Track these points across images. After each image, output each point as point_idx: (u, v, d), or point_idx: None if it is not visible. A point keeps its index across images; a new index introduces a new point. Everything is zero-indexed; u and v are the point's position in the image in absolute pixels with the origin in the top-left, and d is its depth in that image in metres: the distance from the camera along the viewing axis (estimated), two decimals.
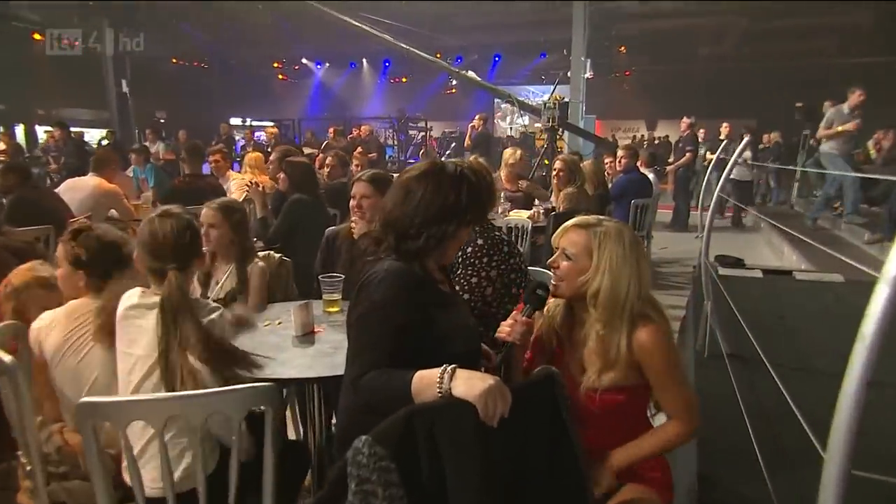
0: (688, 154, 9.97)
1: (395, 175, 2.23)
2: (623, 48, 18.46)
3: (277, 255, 3.14)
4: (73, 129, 14.96)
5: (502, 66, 20.24)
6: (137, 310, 1.87)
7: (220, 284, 2.97)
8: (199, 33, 18.81)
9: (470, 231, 1.72)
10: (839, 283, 4.77)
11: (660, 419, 1.96)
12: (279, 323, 2.57)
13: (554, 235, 1.87)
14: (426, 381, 1.43)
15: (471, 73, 13.87)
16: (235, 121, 19.44)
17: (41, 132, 16.38)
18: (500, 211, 5.42)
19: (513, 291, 2.44)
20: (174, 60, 20.37)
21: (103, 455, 1.64)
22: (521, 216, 5.11)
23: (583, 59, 13.46)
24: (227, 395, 1.61)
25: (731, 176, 9.99)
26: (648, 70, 20.29)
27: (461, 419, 1.36)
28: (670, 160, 11.13)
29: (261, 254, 3.10)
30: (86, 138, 14.43)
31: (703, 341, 3.23)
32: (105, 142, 13.59)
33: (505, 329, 1.77)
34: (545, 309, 1.91)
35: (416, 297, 1.60)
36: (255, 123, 18.78)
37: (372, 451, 1.29)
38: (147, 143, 11.16)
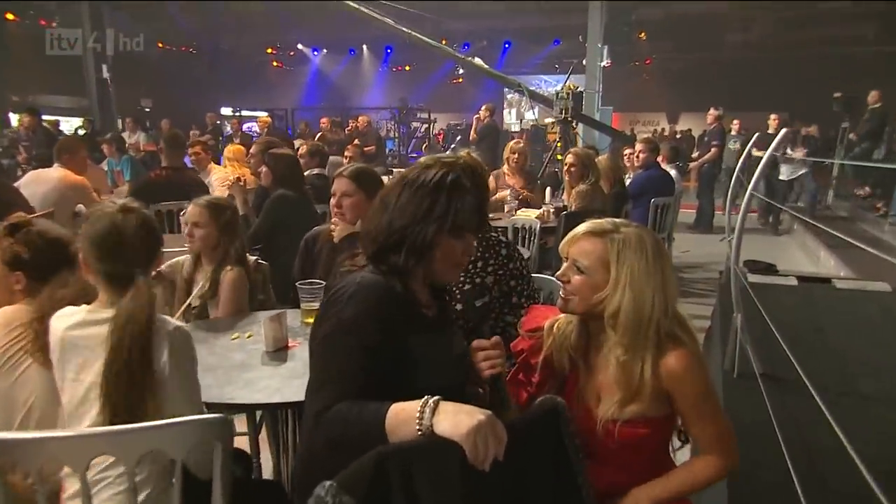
0: (713, 149, 9.75)
1: (396, 170, 2.08)
2: (643, 34, 18.23)
3: (253, 258, 2.99)
4: (50, 117, 15.00)
5: (512, 53, 20.09)
6: (87, 328, 1.68)
7: (196, 290, 2.83)
8: (184, 17, 18.69)
9: (460, 242, 1.54)
10: (886, 293, 4.57)
11: (683, 454, 1.80)
12: (249, 336, 2.41)
13: (562, 243, 1.71)
14: (403, 416, 1.26)
15: (477, 60, 13.66)
16: (226, 110, 19.35)
17: (15, 120, 16.30)
18: (506, 210, 5.27)
19: (513, 301, 2.26)
20: (160, 45, 20.20)
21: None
22: (528, 215, 4.94)
23: (599, 45, 13.26)
24: (163, 430, 1.43)
25: (779, 176, 9.81)
26: (671, 58, 20.11)
27: (445, 462, 1.19)
28: (694, 155, 10.88)
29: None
30: (62, 127, 14.30)
31: (733, 359, 3.04)
32: (81, 131, 13.46)
33: (484, 365, 1.57)
34: (555, 326, 1.75)
35: (391, 318, 1.45)
36: (246, 113, 18.66)
37: (337, 501, 1.12)
38: (127, 133, 11.08)
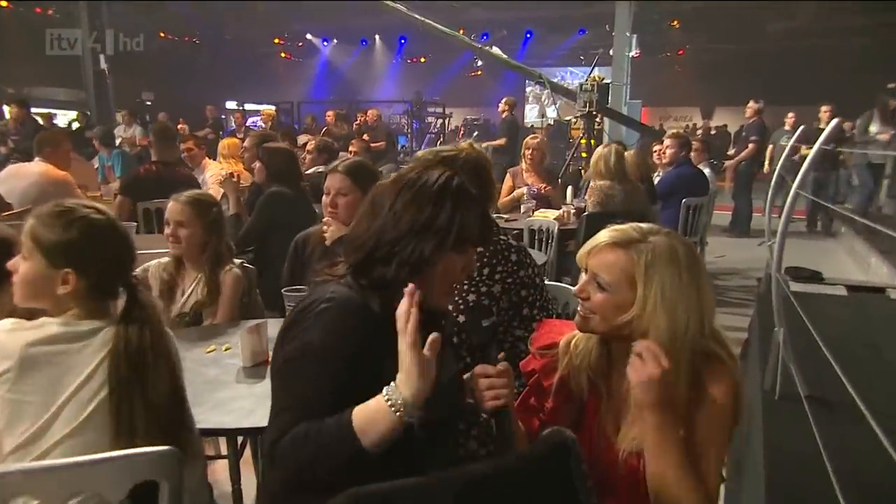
0: (751, 145, 9.45)
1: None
2: (676, 23, 17.96)
3: (238, 262, 2.86)
4: (46, 110, 15.02)
5: (534, 44, 19.86)
6: (61, 344, 1.55)
7: (185, 296, 2.71)
8: (186, 6, 18.70)
9: (462, 257, 1.41)
10: None
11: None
12: (226, 349, 2.29)
13: (580, 252, 1.56)
14: (370, 410, 1.21)
15: (495, 50, 13.48)
16: (231, 104, 19.34)
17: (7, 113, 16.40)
18: (522, 210, 5.12)
19: (524, 313, 2.11)
20: (162, 35, 20.22)
21: None
22: (546, 216, 4.78)
23: (627, 34, 13.04)
24: (92, 467, 1.29)
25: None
26: (706, 49, 19.73)
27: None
28: (730, 153, 10.62)
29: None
30: (57, 121, 14.33)
31: (774, 378, 2.86)
32: (75, 125, 13.47)
33: (487, 395, 1.40)
34: (571, 343, 1.60)
35: (365, 342, 1.31)
36: (252, 107, 18.64)
37: None
38: (123, 127, 11.04)
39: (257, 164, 4.34)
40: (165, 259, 2.79)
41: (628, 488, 1.49)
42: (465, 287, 2.01)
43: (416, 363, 1.18)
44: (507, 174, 5.75)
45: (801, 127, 6.72)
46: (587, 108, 8.89)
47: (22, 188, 4.68)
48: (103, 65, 15.83)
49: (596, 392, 1.58)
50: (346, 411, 1.21)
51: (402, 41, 21.49)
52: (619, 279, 1.45)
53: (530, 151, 5.56)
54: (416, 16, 11.57)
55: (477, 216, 1.41)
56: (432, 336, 1.21)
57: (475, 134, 14.83)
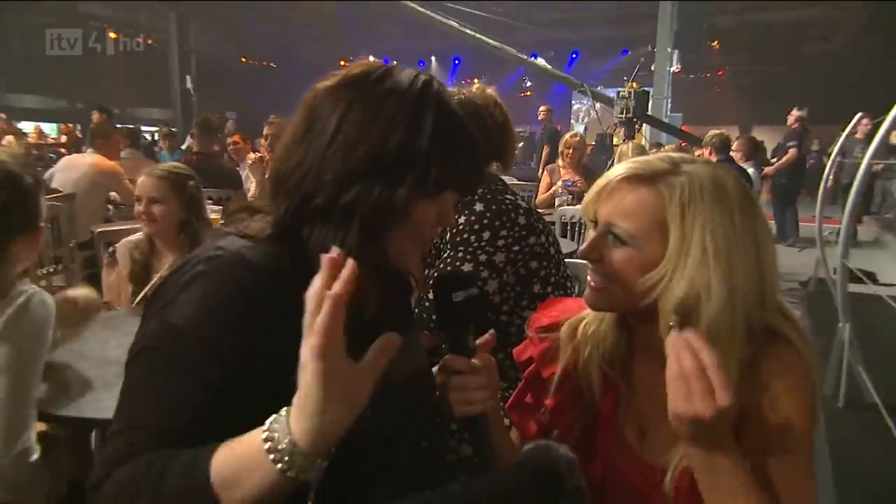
0: (790, 150, 8.30)
1: None
2: (716, 44, 17.04)
3: None
4: (145, 128, 15.29)
5: (580, 64, 19.25)
6: None
7: (159, 278, 2.23)
8: (261, 29, 18.89)
9: (435, 204, 0.84)
10: None
11: None
12: None
13: (586, 199, 0.98)
14: (241, 453, 0.64)
15: (540, 61, 12.95)
16: None
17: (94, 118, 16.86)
18: (556, 203, 4.57)
19: (535, 290, 1.54)
20: (243, 60, 20.56)
21: None
22: (577, 208, 4.22)
23: (668, 49, 12.27)
24: None
25: None
26: (745, 70, 18.80)
27: None
28: (773, 160, 9.59)
29: None
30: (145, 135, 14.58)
31: (838, 383, 2.22)
32: (157, 137, 13.76)
33: (457, 398, 0.89)
34: (579, 328, 1.04)
35: (266, 327, 0.75)
36: None
37: None
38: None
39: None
40: (137, 236, 2.31)
41: None
42: (460, 253, 1.45)
43: (320, 383, 0.60)
44: (545, 171, 5.22)
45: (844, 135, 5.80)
46: (624, 115, 8.19)
47: (74, 178, 4.56)
48: (189, 84, 15.99)
49: (612, 389, 1.01)
50: (204, 450, 0.65)
51: (457, 62, 21.10)
52: (644, 226, 0.89)
53: (570, 150, 5.03)
54: (468, 30, 11.11)
55: (465, 144, 0.86)
56: (385, 337, 0.65)
57: (521, 144, 14.28)
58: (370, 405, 0.73)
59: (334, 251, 0.62)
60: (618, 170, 0.93)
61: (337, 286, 0.60)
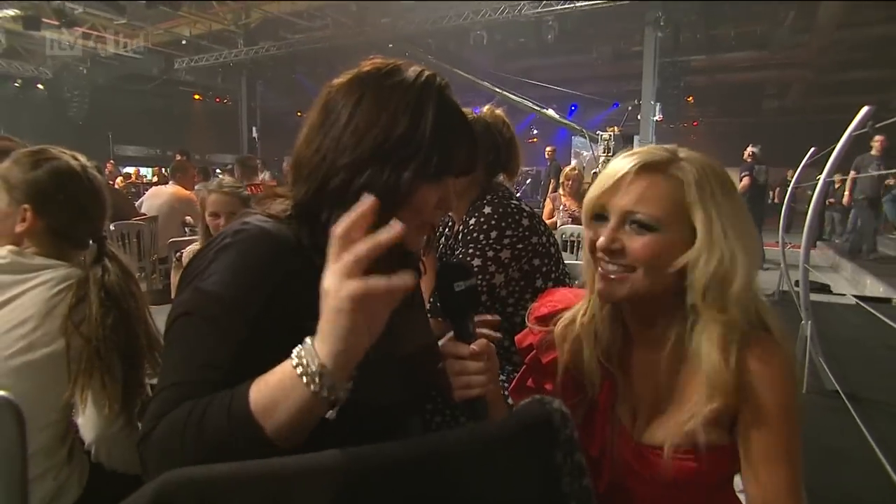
0: (744, 179, 7.74)
1: None
2: (691, 98, 16.95)
3: None
4: (218, 169, 15.66)
5: (578, 114, 19.24)
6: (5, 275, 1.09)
7: None
8: (312, 86, 19.25)
9: (437, 188, 0.79)
10: None
11: None
12: None
13: (591, 195, 0.88)
14: (275, 383, 0.60)
15: (550, 112, 12.98)
16: None
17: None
18: (559, 224, 4.51)
19: (537, 285, 1.49)
20: (298, 113, 20.98)
21: None
22: (578, 227, 4.15)
23: (652, 102, 12.17)
24: None
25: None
26: (715, 120, 18.68)
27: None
28: None
29: None
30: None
31: (802, 373, 2.12)
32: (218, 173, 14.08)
33: (458, 382, 0.82)
34: (575, 322, 0.94)
35: (285, 290, 0.71)
36: None
37: None
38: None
39: None
40: (199, 243, 2.28)
41: (643, 493, 0.87)
42: (470, 250, 1.41)
43: (346, 304, 0.55)
44: (548, 199, 5.19)
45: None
46: (604, 155, 8.19)
47: (158, 204, 4.73)
48: (254, 133, 16.29)
49: (609, 379, 0.92)
50: (240, 387, 0.62)
51: (476, 111, 21.16)
52: (668, 209, 0.81)
53: (569, 182, 5.02)
54: (497, 89, 11.21)
55: (463, 133, 0.81)
56: (403, 274, 0.57)
57: (528, 181, 14.26)
58: (375, 375, 0.70)
59: (369, 197, 0.58)
60: (627, 162, 0.85)
61: (363, 216, 0.57)
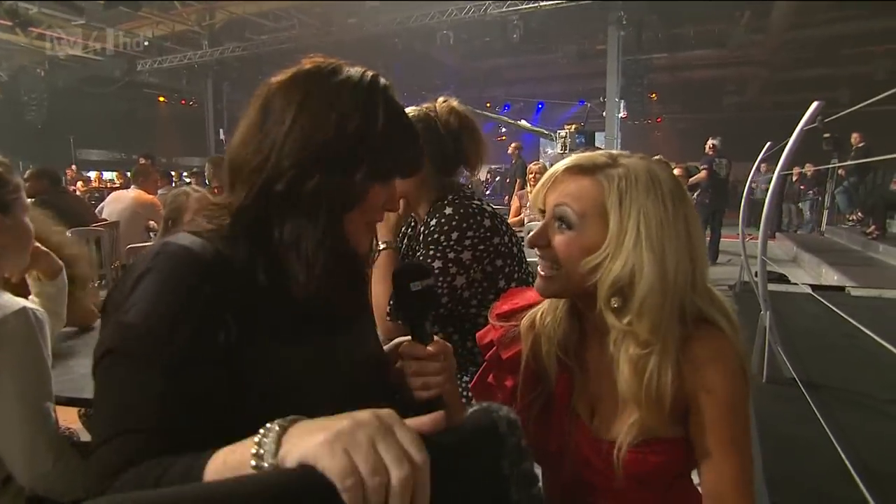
0: (702, 171, 7.80)
1: None
2: (654, 95, 17.23)
3: None
4: (184, 173, 15.27)
5: (545, 112, 19.39)
6: None
7: None
8: None
9: (386, 189, 0.77)
10: None
11: None
12: None
13: (534, 192, 0.91)
14: (234, 461, 0.52)
15: (523, 122, 13.00)
16: None
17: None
18: (526, 222, 4.52)
19: (500, 286, 1.47)
20: None
21: None
22: None
23: (617, 100, 12.32)
24: None
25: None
26: (678, 117, 19.03)
27: None
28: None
29: None
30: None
31: (761, 362, 2.16)
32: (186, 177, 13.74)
33: (415, 383, 0.80)
34: (536, 319, 0.95)
35: (212, 310, 0.64)
36: None
37: None
38: None
39: None
40: None
41: (605, 488, 0.86)
42: (431, 252, 1.38)
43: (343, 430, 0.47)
44: (515, 196, 5.20)
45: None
46: (562, 151, 8.29)
47: (119, 209, 4.58)
48: (222, 136, 15.97)
49: (566, 372, 0.93)
50: (199, 460, 0.54)
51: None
52: (585, 210, 0.82)
53: (533, 175, 5.03)
54: (478, 111, 11.20)
55: (410, 132, 0.78)
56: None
57: (496, 178, 14.28)
58: (322, 390, 0.68)
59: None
60: (563, 163, 0.87)
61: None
